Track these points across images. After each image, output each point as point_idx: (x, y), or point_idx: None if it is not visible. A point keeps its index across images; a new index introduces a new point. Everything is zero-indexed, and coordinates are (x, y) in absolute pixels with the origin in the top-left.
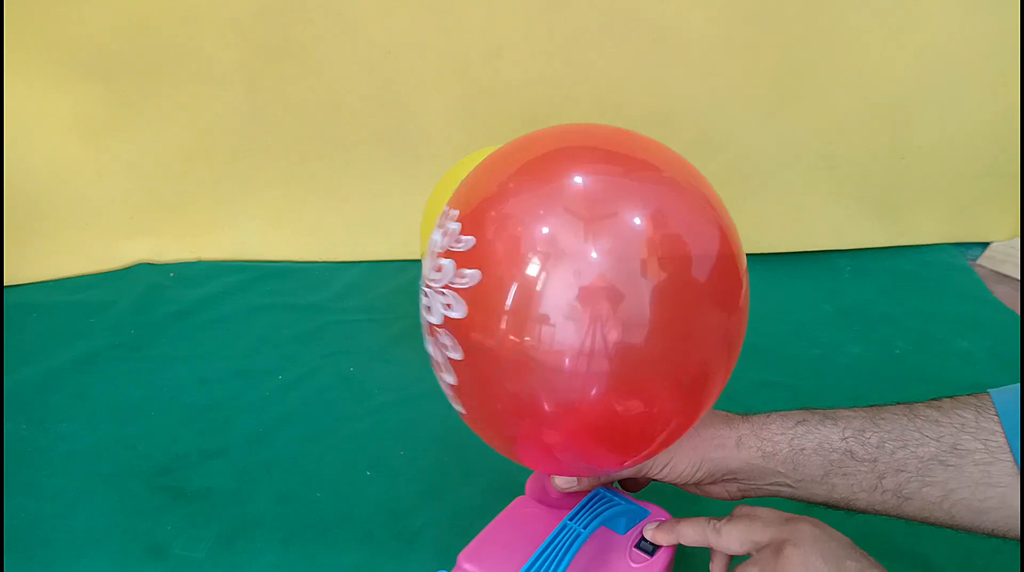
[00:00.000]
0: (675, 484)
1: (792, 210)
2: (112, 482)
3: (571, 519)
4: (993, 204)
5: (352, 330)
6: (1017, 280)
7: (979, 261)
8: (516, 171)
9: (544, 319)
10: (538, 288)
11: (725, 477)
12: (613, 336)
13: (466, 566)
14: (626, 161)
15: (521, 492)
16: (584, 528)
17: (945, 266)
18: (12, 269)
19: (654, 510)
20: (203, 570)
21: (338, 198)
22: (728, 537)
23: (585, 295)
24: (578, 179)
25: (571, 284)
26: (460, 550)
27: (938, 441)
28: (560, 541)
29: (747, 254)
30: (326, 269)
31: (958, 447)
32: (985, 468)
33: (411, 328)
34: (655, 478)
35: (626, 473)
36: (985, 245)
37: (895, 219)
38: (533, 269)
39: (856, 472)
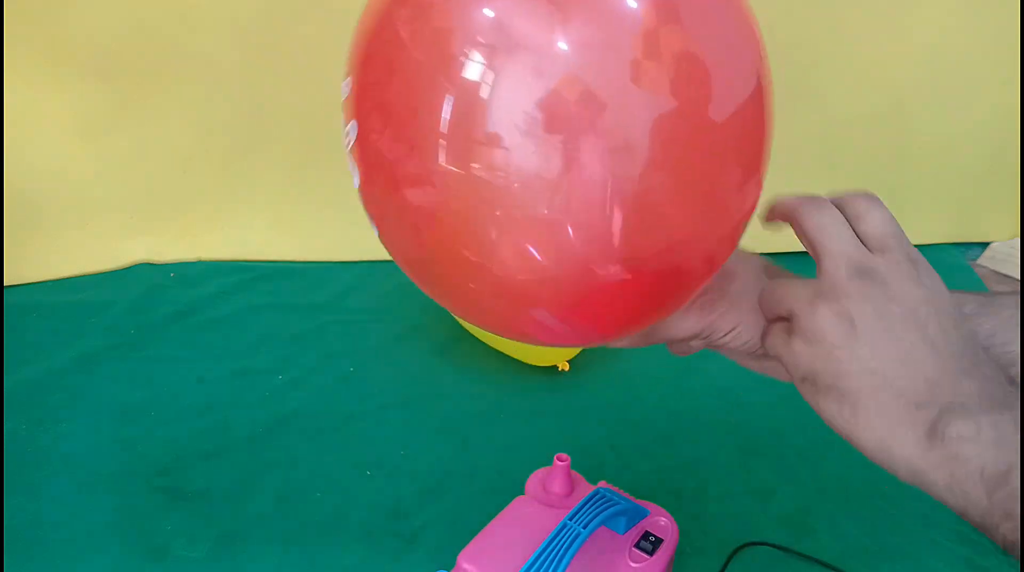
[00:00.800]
0: (733, 354)
1: None
2: (112, 482)
3: (571, 519)
4: (993, 204)
5: (352, 330)
6: (1017, 280)
7: (979, 261)
8: None
9: (493, 140)
10: (483, 96)
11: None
12: (592, 164)
13: (466, 566)
14: None
15: (521, 492)
16: (584, 528)
17: (945, 266)
18: (12, 269)
19: (654, 510)
20: (203, 570)
21: (338, 198)
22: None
23: (549, 102)
24: None
25: (529, 87)
26: (460, 550)
27: None
28: (560, 541)
29: None
30: (326, 269)
31: None
32: None
33: (411, 328)
34: (714, 345)
35: (681, 334)
36: (985, 245)
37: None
38: (473, 71)
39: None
